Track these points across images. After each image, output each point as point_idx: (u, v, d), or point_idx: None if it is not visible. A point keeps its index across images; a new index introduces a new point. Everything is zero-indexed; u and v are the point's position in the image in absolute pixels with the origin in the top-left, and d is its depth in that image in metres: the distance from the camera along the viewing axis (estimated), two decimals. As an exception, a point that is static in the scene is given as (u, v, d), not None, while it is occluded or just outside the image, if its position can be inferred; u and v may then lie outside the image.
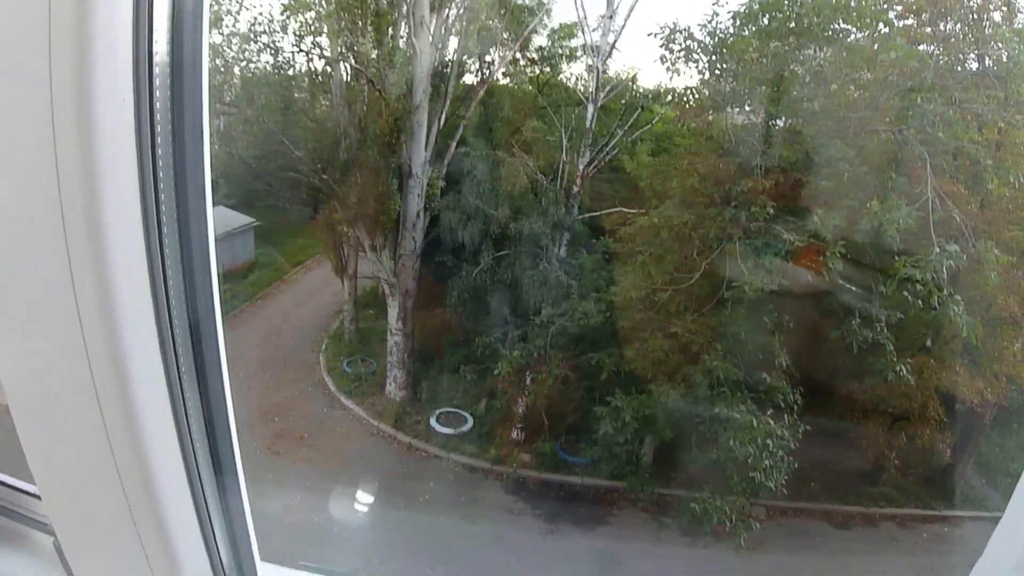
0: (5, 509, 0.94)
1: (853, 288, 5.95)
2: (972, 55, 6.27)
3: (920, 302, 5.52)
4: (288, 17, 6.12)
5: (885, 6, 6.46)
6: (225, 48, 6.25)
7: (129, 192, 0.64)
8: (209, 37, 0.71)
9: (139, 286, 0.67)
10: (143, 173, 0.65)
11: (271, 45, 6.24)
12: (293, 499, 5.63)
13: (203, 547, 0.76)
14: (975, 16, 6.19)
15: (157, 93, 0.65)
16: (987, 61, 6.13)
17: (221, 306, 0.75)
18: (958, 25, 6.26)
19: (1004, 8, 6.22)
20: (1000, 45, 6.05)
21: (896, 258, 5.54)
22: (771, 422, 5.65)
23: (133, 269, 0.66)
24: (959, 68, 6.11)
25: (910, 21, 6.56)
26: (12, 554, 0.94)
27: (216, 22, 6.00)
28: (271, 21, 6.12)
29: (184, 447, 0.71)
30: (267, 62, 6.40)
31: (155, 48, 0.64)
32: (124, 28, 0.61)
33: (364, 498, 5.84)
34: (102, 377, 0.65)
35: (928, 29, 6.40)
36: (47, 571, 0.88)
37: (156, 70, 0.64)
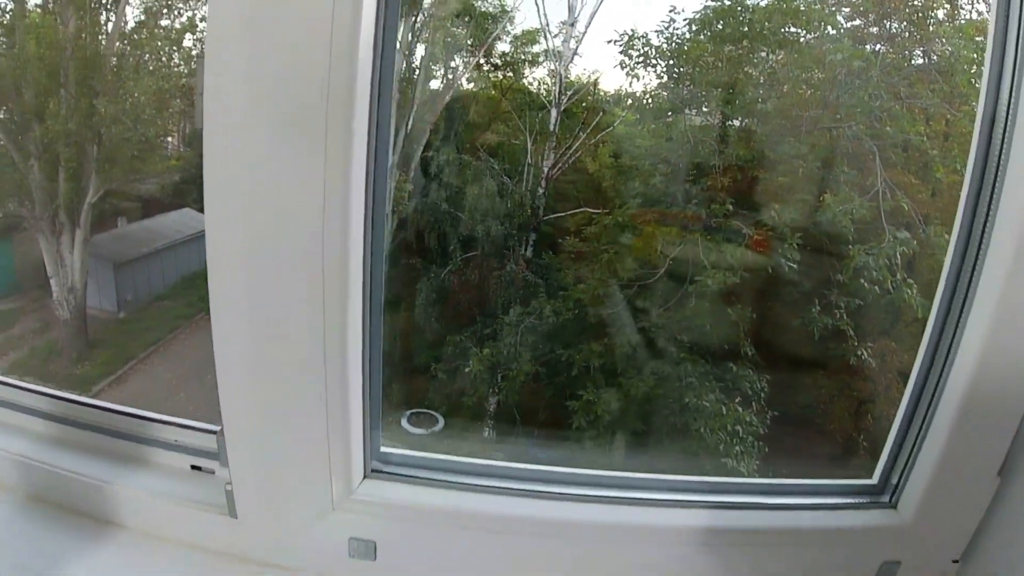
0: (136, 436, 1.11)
1: (811, 277, 6.21)
2: (917, 51, 6.65)
3: (876, 288, 5.81)
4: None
5: (834, 9, 6.82)
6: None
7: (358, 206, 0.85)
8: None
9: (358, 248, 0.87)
10: (368, 196, 0.85)
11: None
12: None
13: (362, 443, 1.01)
14: (919, 15, 6.59)
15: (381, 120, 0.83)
16: (932, 57, 6.51)
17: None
18: (903, 24, 6.65)
19: (947, 5, 6.63)
20: (943, 41, 6.44)
21: (851, 247, 5.82)
22: (739, 409, 5.85)
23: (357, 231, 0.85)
24: (905, 65, 6.47)
25: (857, 22, 6.94)
26: (146, 473, 1.09)
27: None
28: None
29: (364, 385, 0.96)
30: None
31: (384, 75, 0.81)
32: (366, 83, 0.78)
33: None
34: (331, 319, 0.86)
35: (874, 29, 6.78)
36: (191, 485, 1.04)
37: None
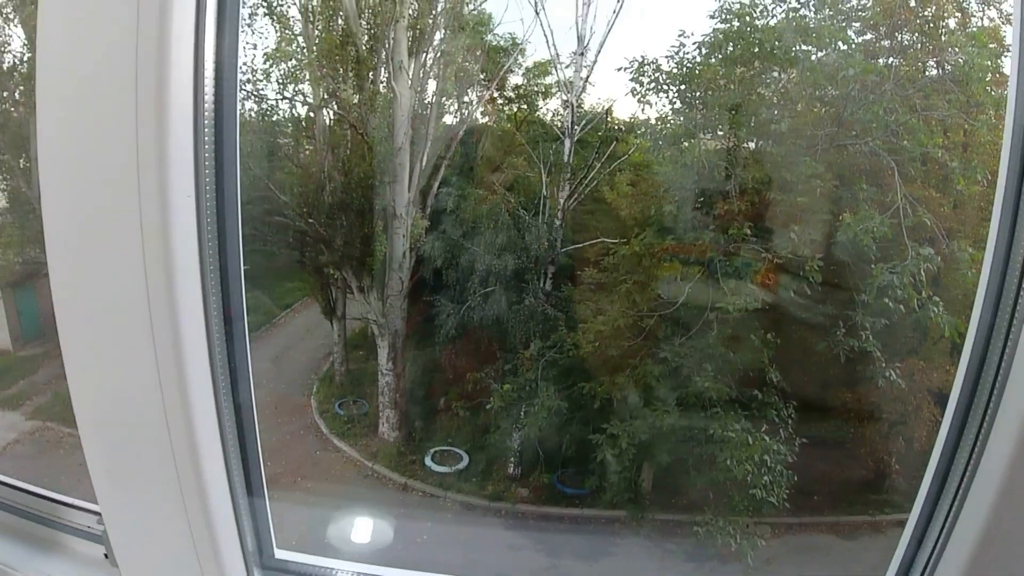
0: (53, 522, 1.09)
1: (834, 299, 6.08)
2: (931, 62, 6.56)
3: (901, 307, 5.65)
4: (271, 65, 6.29)
5: (844, 24, 6.77)
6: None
7: (188, 233, 0.77)
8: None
9: (196, 326, 0.80)
10: (200, 215, 0.77)
11: (255, 93, 6.40)
12: (288, 541, 5.53)
13: (237, 540, 0.95)
14: (931, 25, 6.51)
15: (206, 139, 0.76)
16: (946, 67, 6.42)
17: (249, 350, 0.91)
18: (915, 35, 6.57)
19: (958, 14, 6.55)
20: (956, 50, 6.35)
21: (874, 266, 5.68)
22: (766, 438, 5.69)
23: (193, 312, 0.79)
24: (919, 76, 6.37)
25: (869, 36, 6.88)
26: (57, 559, 1.07)
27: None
28: (255, 70, 6.29)
29: (228, 465, 0.90)
30: (251, 109, 6.55)
31: (206, 95, 0.74)
32: (186, 84, 0.72)
33: (360, 539, 5.75)
34: (171, 407, 0.81)
35: (886, 42, 6.71)
36: (92, 573, 1.01)
37: (206, 116, 0.75)
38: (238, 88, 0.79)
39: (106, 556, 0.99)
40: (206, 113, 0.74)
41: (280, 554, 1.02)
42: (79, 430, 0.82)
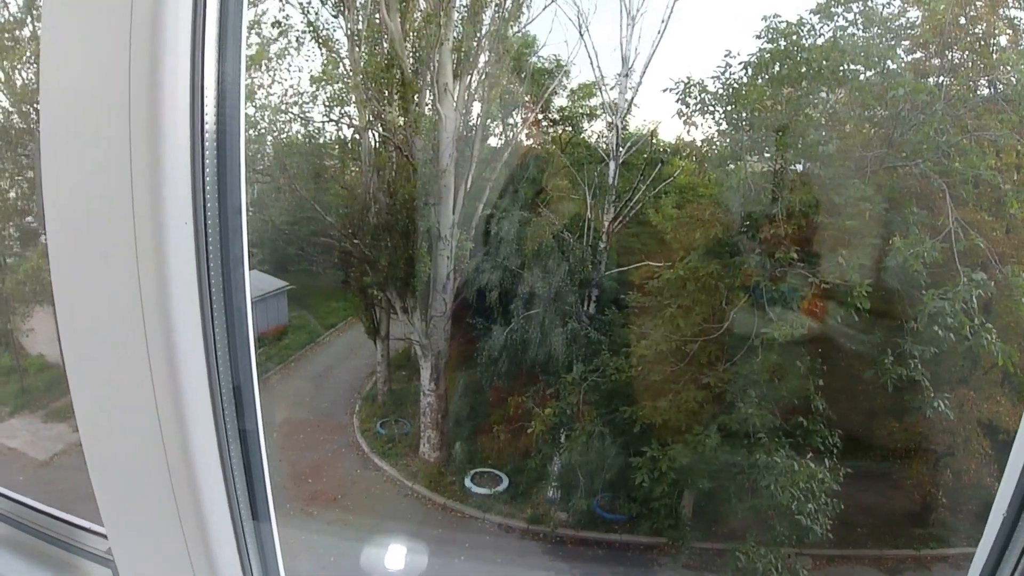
0: (65, 543, 1.06)
1: (883, 326, 5.91)
2: (982, 81, 6.34)
3: (952, 335, 5.45)
4: (317, 89, 6.42)
5: (892, 43, 6.59)
6: (258, 119, 6.56)
7: (188, 264, 0.74)
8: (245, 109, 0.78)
9: (196, 353, 0.77)
10: (198, 242, 0.74)
11: (302, 115, 6.54)
12: (326, 559, 5.60)
13: (239, 568, 0.89)
14: (981, 43, 6.29)
15: (207, 164, 0.73)
16: (997, 86, 6.20)
17: (257, 369, 0.87)
18: (965, 53, 6.36)
19: (1009, 31, 6.33)
20: (1008, 68, 6.13)
21: (924, 292, 5.50)
22: (811, 465, 5.55)
23: (192, 337, 0.76)
24: (970, 96, 6.17)
25: (918, 55, 6.69)
26: None
27: (249, 96, 6.32)
28: (301, 93, 6.43)
29: (229, 492, 0.85)
30: (298, 131, 6.69)
31: (206, 120, 0.71)
32: (183, 100, 0.70)
33: (399, 559, 5.79)
34: (169, 433, 0.78)
35: (936, 60, 6.51)
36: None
37: (207, 140, 0.72)
38: (242, 104, 0.76)
39: None
40: (207, 130, 0.72)
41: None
42: (84, 451, 0.81)
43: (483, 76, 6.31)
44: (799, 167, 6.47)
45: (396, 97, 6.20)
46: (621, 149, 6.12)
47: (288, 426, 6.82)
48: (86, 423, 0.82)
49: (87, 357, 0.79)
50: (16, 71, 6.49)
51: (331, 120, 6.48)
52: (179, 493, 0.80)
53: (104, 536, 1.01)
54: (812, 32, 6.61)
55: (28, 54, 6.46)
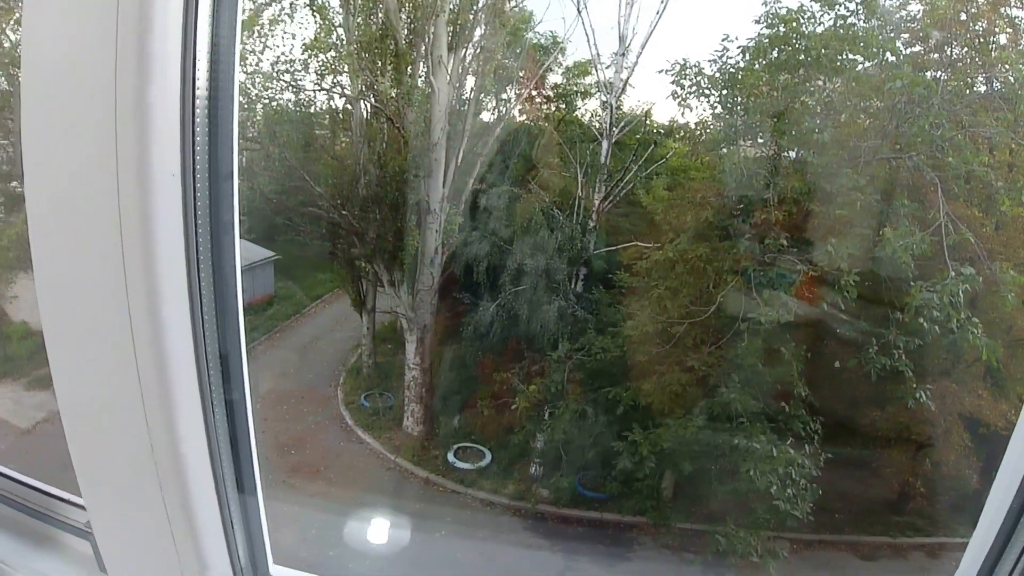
0: (44, 515, 1.03)
1: (869, 316, 5.94)
2: (980, 78, 6.33)
3: (937, 327, 5.49)
4: (310, 56, 6.31)
5: (892, 35, 6.55)
6: (248, 86, 6.45)
7: (175, 226, 0.72)
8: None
9: (182, 320, 0.74)
10: (186, 204, 0.71)
11: (293, 83, 6.43)
12: (307, 532, 5.61)
13: (225, 550, 0.86)
14: (981, 40, 6.27)
15: (198, 129, 0.71)
16: (995, 84, 6.20)
17: (245, 339, 0.85)
18: (965, 49, 6.35)
19: (1010, 30, 6.31)
20: (1007, 67, 6.12)
21: (912, 284, 5.53)
22: (791, 451, 5.60)
23: (177, 303, 0.74)
24: (967, 92, 6.16)
25: (917, 48, 6.66)
26: (49, 556, 1.02)
27: (240, 60, 6.21)
28: (293, 60, 6.32)
29: (214, 465, 0.81)
30: (289, 100, 6.58)
31: (198, 84, 0.70)
32: (174, 63, 0.68)
33: (380, 532, 5.80)
34: (151, 402, 0.74)
35: (935, 55, 6.48)
36: (82, 572, 0.95)
37: (198, 104, 0.70)
38: (236, 66, 0.74)
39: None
40: (199, 92, 0.70)
41: (276, 571, 0.94)
42: (62, 420, 0.78)
43: (478, 50, 6.23)
44: (792, 154, 6.45)
45: (389, 68, 6.11)
46: (615, 129, 6.07)
47: (272, 396, 6.80)
48: (65, 391, 0.79)
49: (66, 320, 0.75)
50: (3, 34, 6.34)
51: (323, 89, 6.39)
52: (161, 464, 0.77)
53: (83, 508, 0.97)
54: (812, 20, 6.55)
55: (17, 16, 6.30)
